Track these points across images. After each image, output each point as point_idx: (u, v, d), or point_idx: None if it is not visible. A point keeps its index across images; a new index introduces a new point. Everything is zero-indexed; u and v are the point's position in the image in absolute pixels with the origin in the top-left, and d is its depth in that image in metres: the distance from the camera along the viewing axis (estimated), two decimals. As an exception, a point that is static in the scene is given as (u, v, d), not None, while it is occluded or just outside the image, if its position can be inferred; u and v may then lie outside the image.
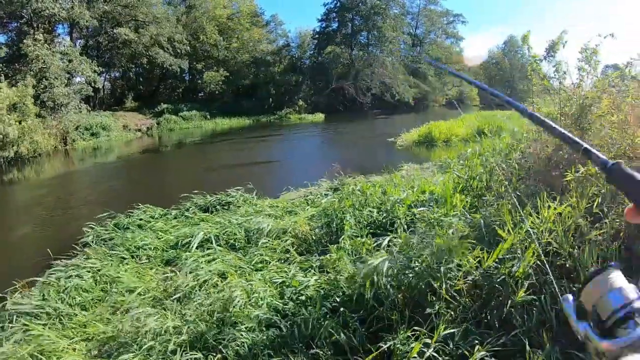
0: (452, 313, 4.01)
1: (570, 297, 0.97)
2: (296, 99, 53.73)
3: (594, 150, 0.98)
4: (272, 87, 55.37)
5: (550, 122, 1.13)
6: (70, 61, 30.38)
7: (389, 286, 4.42)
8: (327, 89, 55.62)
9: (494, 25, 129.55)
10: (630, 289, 0.91)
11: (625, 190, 0.91)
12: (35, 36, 28.03)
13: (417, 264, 4.56)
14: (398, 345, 3.74)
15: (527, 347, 3.47)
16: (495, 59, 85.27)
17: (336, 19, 62.57)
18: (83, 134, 30.64)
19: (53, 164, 24.10)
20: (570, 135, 1.07)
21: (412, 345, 3.67)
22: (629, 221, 0.88)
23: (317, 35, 62.91)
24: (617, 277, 0.94)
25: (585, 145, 1.00)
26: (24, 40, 27.92)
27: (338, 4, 61.61)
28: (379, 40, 61.83)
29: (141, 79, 52.33)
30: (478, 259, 4.41)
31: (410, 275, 4.43)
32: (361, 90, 56.91)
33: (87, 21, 33.86)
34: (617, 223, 4.39)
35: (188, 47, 46.21)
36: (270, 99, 53.69)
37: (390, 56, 61.81)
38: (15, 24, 32.80)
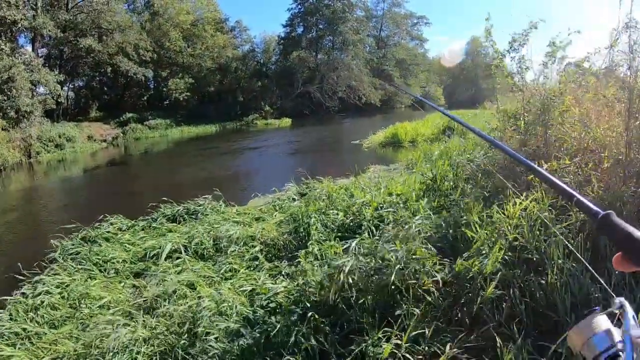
0: (422, 312, 4.04)
1: None
2: (263, 105, 53.62)
3: (585, 201, 1.01)
4: (238, 93, 55.19)
5: (546, 174, 1.20)
6: (32, 71, 29.77)
7: (357, 288, 4.45)
8: (293, 94, 55.65)
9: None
10: (615, 332, 0.96)
11: (613, 240, 0.94)
12: (2, 46, 27.43)
13: (383, 265, 4.60)
14: (370, 348, 3.77)
15: (498, 342, 3.54)
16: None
17: (301, 24, 62.86)
18: (47, 145, 30.01)
19: (17, 177, 23.61)
20: (562, 185, 1.11)
21: (384, 346, 3.70)
22: (616, 269, 0.92)
23: (282, 41, 63.05)
24: (602, 321, 0.98)
25: (578, 196, 1.03)
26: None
27: (302, 9, 61.81)
28: (343, 43, 62.16)
29: (105, 88, 51.34)
30: (445, 258, 4.49)
31: (378, 276, 4.48)
32: (327, 94, 57.08)
33: (49, 30, 33.29)
34: (582, 215, 4.51)
35: (153, 55, 45.73)
36: (237, 105, 53.45)
37: (355, 59, 62.15)
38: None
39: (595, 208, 0.99)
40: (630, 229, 0.89)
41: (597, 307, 1.01)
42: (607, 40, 5.71)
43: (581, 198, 1.03)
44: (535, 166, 1.29)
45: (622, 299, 0.99)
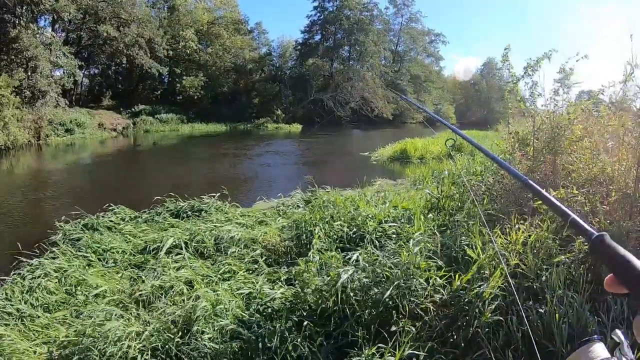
0: (418, 331, 4.02)
1: None
2: (275, 108, 53.78)
3: (580, 222, 1.02)
4: (252, 95, 55.33)
5: (545, 193, 1.20)
6: (51, 51, 30.02)
7: (354, 300, 4.44)
8: (306, 100, 55.80)
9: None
10: None
11: (606, 262, 0.93)
12: (30, 26, 27.70)
13: (383, 280, 4.58)
14: (363, 362, 3.75)
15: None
16: (473, 80, 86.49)
17: (319, 32, 63.18)
18: (57, 129, 30.27)
19: (26, 158, 23.80)
20: (560, 204, 1.13)
21: (377, 362, 3.67)
22: (607, 290, 0.92)
23: (299, 47, 63.42)
24: (599, 351, 0.96)
25: (573, 216, 1.04)
26: (13, 29, 27.59)
27: (321, 17, 62.09)
28: (360, 54, 62.35)
29: (120, 78, 51.77)
30: (447, 277, 4.47)
31: (377, 291, 4.46)
32: (340, 104, 57.18)
33: (70, 14, 33.51)
34: (586, 246, 4.48)
35: (168, 51, 45.98)
36: (249, 107, 53.60)
37: (370, 71, 62.24)
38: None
39: (590, 229, 0.99)
40: (623, 251, 0.89)
41: (596, 336, 1.00)
42: (615, 60, 5.74)
43: (576, 218, 1.04)
44: (533, 184, 1.30)
45: (619, 331, 0.99)
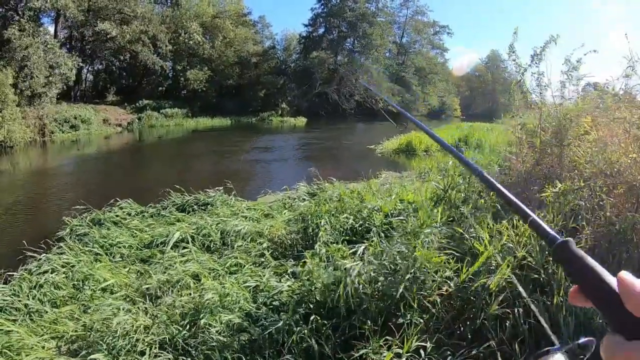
0: (425, 323, 4.02)
1: None
2: (280, 102, 53.73)
3: (542, 224, 0.90)
4: (256, 89, 55.28)
5: (500, 187, 1.07)
6: (53, 53, 30.01)
7: (361, 293, 4.44)
8: (310, 94, 55.68)
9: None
10: None
11: (569, 271, 0.84)
12: (23, 25, 27.71)
13: (390, 272, 4.58)
14: (370, 355, 3.75)
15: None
16: (478, 72, 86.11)
17: (323, 24, 62.87)
18: (62, 126, 30.32)
19: (30, 155, 23.83)
20: (519, 203, 0.98)
21: (384, 354, 3.67)
22: (571, 303, 0.83)
23: (303, 40, 63.13)
24: None
25: (534, 216, 0.92)
26: (8, 28, 27.61)
27: (325, 10, 61.84)
28: (365, 47, 62.10)
29: (124, 73, 51.61)
30: (454, 269, 4.46)
31: (384, 283, 4.46)
32: (344, 96, 57.04)
33: (71, 13, 33.52)
34: (593, 238, 4.46)
35: (173, 46, 45.98)
36: (254, 101, 53.59)
37: (375, 63, 62.04)
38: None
39: (552, 232, 0.88)
40: (590, 260, 0.80)
41: (556, 346, 0.93)
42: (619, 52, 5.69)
43: (537, 219, 0.92)
44: (489, 177, 1.15)
45: (591, 339, 0.92)
